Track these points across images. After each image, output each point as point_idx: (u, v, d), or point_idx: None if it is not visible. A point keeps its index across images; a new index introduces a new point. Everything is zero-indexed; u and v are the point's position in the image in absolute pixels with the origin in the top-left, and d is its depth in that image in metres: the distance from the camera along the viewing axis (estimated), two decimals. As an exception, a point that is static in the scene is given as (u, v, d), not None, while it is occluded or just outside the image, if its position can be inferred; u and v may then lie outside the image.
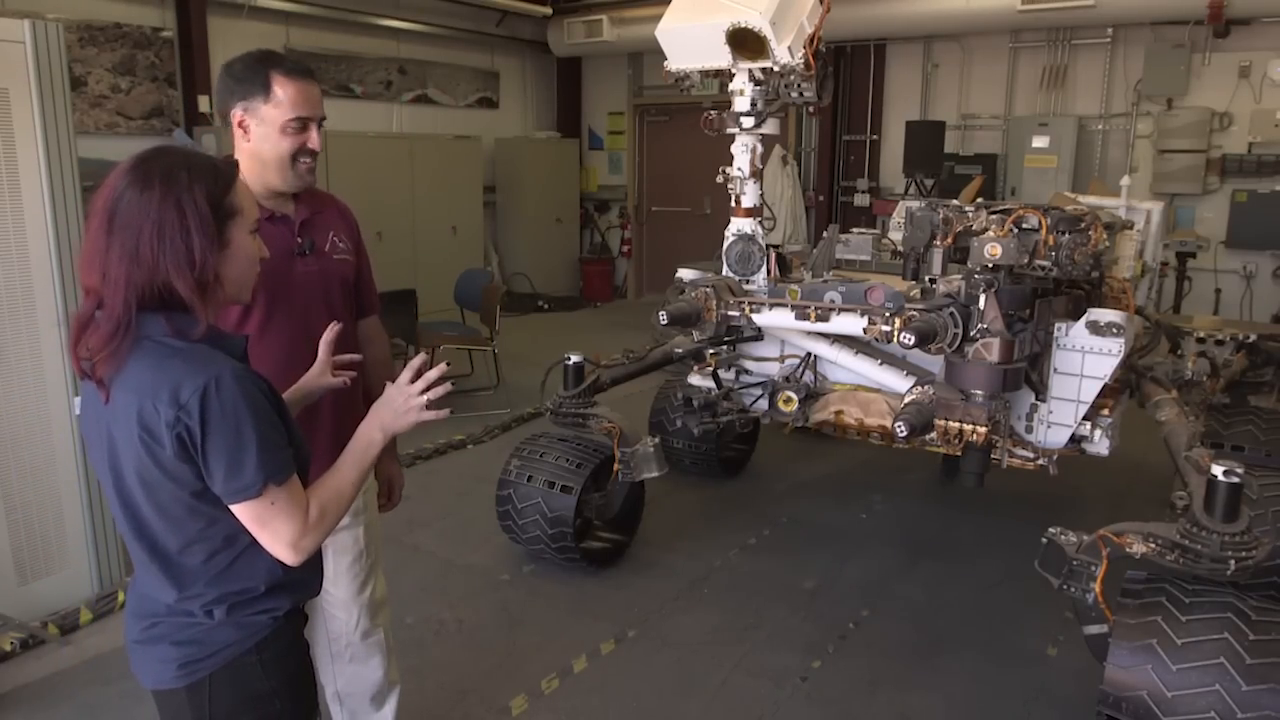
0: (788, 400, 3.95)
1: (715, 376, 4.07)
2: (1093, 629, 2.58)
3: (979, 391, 3.02)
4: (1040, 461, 3.51)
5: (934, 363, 3.44)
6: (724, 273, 3.92)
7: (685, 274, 3.95)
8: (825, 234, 4.18)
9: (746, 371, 4.20)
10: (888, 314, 3.24)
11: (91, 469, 3.28)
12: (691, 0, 3.78)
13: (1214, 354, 4.20)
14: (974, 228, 3.06)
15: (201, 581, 1.48)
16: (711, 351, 4.03)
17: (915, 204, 3.40)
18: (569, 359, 3.86)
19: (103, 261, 1.37)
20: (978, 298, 2.97)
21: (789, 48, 3.57)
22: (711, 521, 4.45)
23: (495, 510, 3.86)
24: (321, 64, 8.42)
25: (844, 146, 9.42)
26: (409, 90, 9.31)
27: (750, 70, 3.74)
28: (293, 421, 1.54)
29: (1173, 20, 7.34)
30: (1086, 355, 3.28)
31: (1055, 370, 3.35)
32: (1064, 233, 2.97)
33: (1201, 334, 4.25)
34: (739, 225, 3.92)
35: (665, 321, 3.62)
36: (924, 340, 2.95)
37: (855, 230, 4.51)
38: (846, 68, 9.14)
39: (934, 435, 3.13)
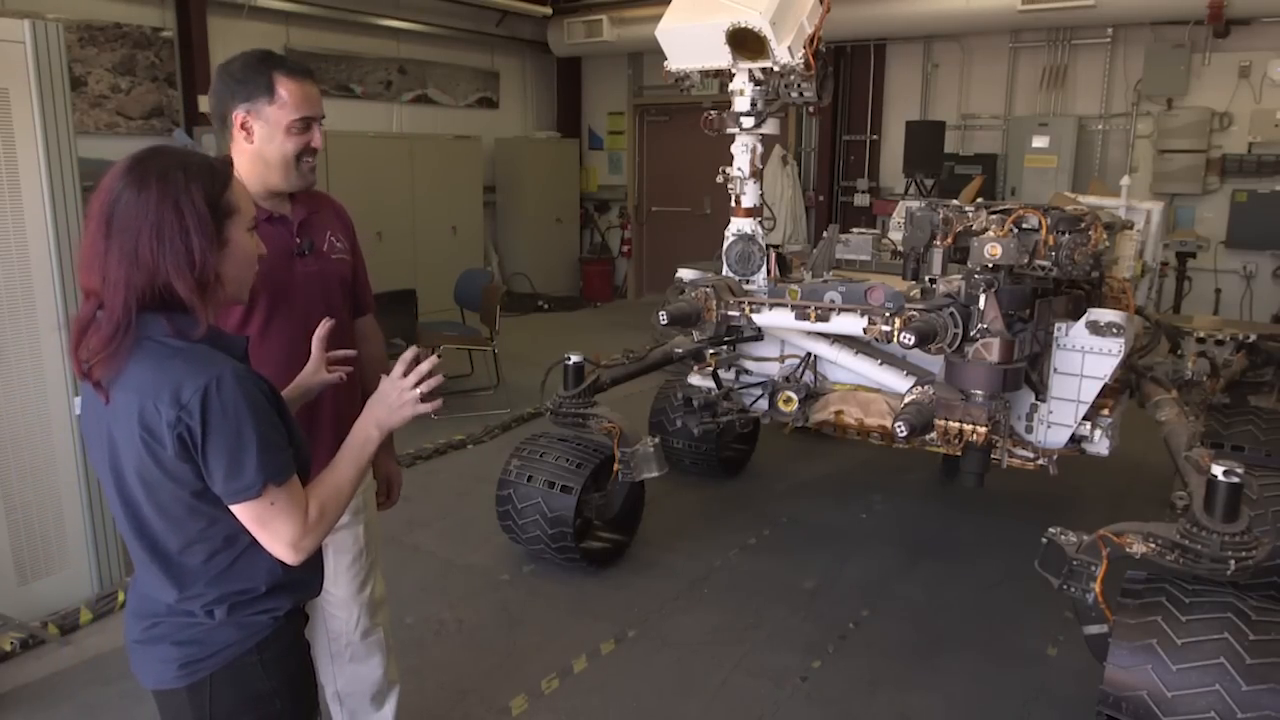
0: (788, 400, 3.95)
1: (715, 376, 4.07)
2: (1093, 629, 2.58)
3: (979, 391, 3.02)
4: (1040, 461, 3.51)
5: (934, 363, 3.44)
6: (724, 273, 3.92)
7: (685, 274, 3.95)
8: (825, 234, 4.18)
9: (746, 371, 4.20)
10: (888, 314, 3.24)
11: (91, 469, 3.28)
12: (691, 0, 3.78)
13: (1214, 354, 4.20)
14: (974, 228, 3.06)
15: (202, 581, 1.48)
16: (711, 351, 4.03)
17: (915, 204, 3.41)
18: (569, 359, 3.86)
19: (102, 264, 1.37)
20: (978, 298, 2.97)
21: (789, 48, 3.57)
22: (711, 521, 4.45)
23: (495, 510, 3.86)
24: (321, 64, 8.42)
25: (844, 146, 9.42)
26: (409, 90, 9.32)
27: (750, 70, 3.74)
28: (293, 421, 1.54)
29: (1173, 20, 7.34)
30: (1086, 355, 3.28)
31: (1055, 370, 3.35)
32: (1064, 233, 2.97)
33: (1201, 334, 4.25)
34: (739, 225, 3.92)
35: (665, 321, 3.62)
36: (924, 340, 2.95)
37: (855, 230, 4.51)
38: (846, 68, 9.14)
39: (934, 435, 3.13)
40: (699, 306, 3.71)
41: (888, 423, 3.63)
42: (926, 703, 3.01)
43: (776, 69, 3.66)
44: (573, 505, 3.62)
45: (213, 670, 1.49)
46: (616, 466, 3.68)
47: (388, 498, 2.48)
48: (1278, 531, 2.81)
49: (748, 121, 3.81)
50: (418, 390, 1.57)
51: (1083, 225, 3.02)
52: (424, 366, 1.59)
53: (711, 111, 3.92)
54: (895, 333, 3.10)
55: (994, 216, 3.05)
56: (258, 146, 1.97)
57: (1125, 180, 4.66)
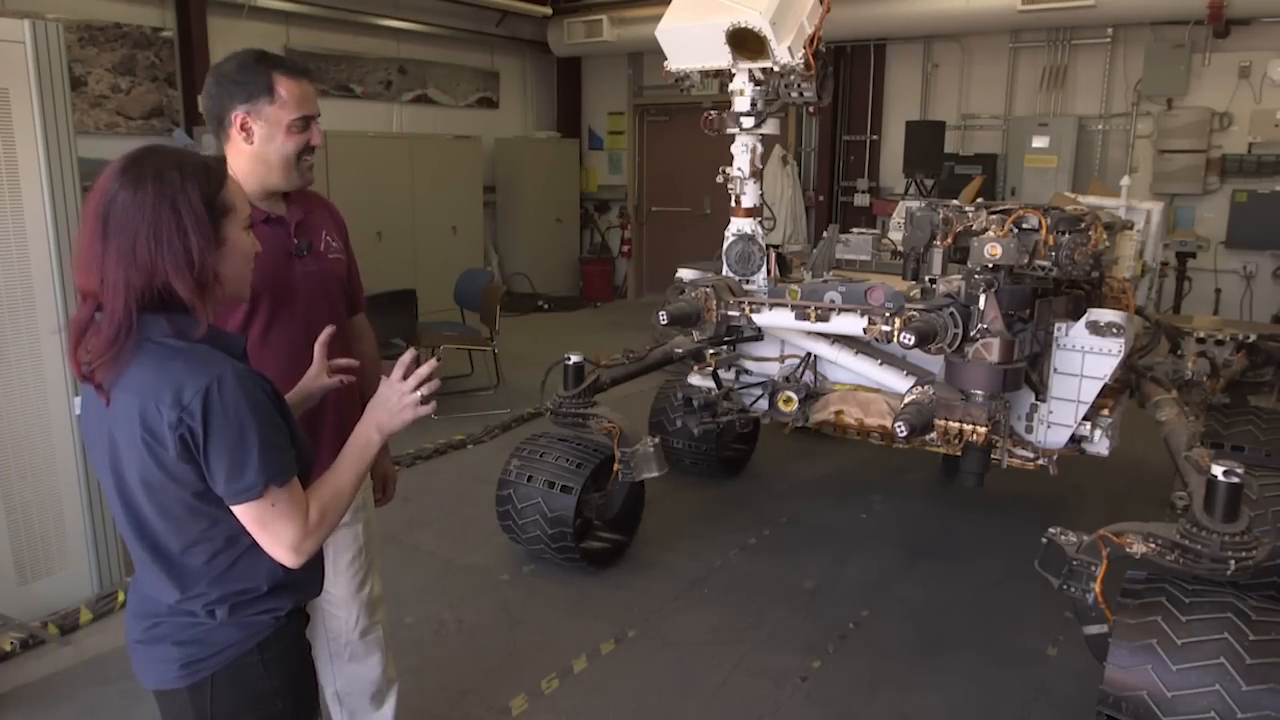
0: (788, 400, 3.96)
1: (715, 376, 4.07)
2: (1093, 629, 2.58)
3: (979, 391, 3.02)
4: (1040, 461, 3.51)
5: (934, 363, 3.44)
6: (724, 273, 3.93)
7: (685, 274, 3.95)
8: (825, 234, 4.18)
9: (746, 371, 4.20)
10: (888, 314, 3.24)
11: (91, 469, 3.28)
12: (691, 0, 3.78)
13: (1214, 354, 4.20)
14: (974, 228, 3.06)
15: (204, 582, 1.48)
16: (711, 351, 4.03)
17: (915, 204, 3.41)
18: (569, 359, 3.86)
19: (99, 266, 1.36)
20: (978, 298, 2.97)
21: (789, 48, 3.57)
22: (711, 521, 4.45)
23: (495, 510, 3.86)
24: (321, 64, 8.42)
25: (844, 146, 9.42)
26: (409, 90, 9.32)
27: (750, 70, 3.74)
28: (295, 422, 1.54)
29: (1173, 20, 7.34)
30: (1086, 355, 3.28)
31: (1055, 370, 3.35)
32: (1064, 233, 2.97)
33: (1201, 334, 4.25)
34: (739, 225, 3.92)
35: (665, 321, 3.62)
36: (924, 340, 2.95)
37: (855, 230, 4.51)
38: (846, 68, 9.14)
39: (934, 435, 3.13)
40: (699, 306, 3.71)
41: (888, 423, 3.63)
42: (926, 703, 3.01)
43: (776, 69, 3.66)
44: (573, 505, 3.62)
45: (214, 670, 1.49)
46: (616, 466, 3.68)
47: (383, 494, 2.48)
48: (1278, 531, 2.81)
49: (748, 121, 3.81)
50: (418, 393, 1.57)
51: (1083, 225, 3.02)
52: (423, 370, 1.59)
53: (711, 111, 3.92)
54: (895, 333, 3.10)
55: (994, 216, 3.05)
56: (257, 147, 1.96)
57: (1125, 180, 4.66)
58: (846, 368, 3.89)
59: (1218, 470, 2.38)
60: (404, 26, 9.07)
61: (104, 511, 3.45)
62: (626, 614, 3.54)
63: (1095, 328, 3.25)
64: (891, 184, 9.07)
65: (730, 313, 3.74)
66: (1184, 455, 2.84)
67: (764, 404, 4.09)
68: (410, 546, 4.13)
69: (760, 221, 3.94)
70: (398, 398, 1.58)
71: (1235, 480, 2.36)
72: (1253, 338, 4.27)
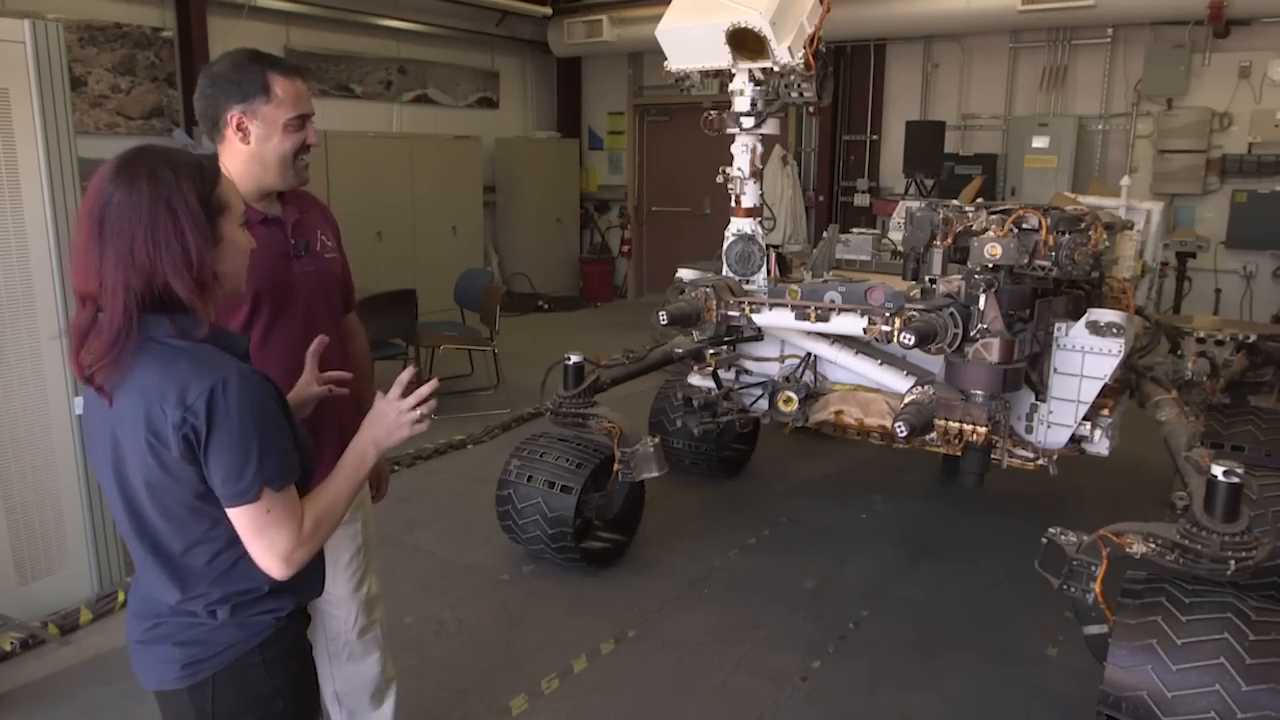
0: (788, 400, 3.96)
1: (715, 376, 4.07)
2: (1093, 629, 2.59)
3: (979, 391, 3.02)
4: (1040, 461, 3.51)
5: (934, 363, 3.44)
6: (724, 273, 3.93)
7: (685, 274, 3.95)
8: (825, 234, 4.18)
9: (746, 371, 4.20)
10: (888, 314, 3.24)
11: (92, 469, 3.28)
12: (691, 0, 3.78)
13: (1214, 354, 4.20)
14: (974, 228, 3.06)
15: (205, 582, 1.47)
16: (711, 351, 4.03)
17: (915, 204, 3.41)
18: (569, 359, 3.86)
19: (98, 269, 1.36)
20: (978, 298, 2.97)
21: (789, 48, 3.57)
22: (711, 521, 4.45)
23: (495, 510, 3.86)
24: (321, 64, 8.42)
25: (844, 146, 9.42)
26: (409, 90, 9.32)
27: (750, 70, 3.74)
28: (298, 425, 1.54)
29: (1173, 20, 7.34)
30: (1086, 355, 3.28)
31: (1055, 370, 3.35)
32: (1064, 233, 2.96)
33: (1201, 334, 4.25)
34: (739, 225, 3.92)
35: (665, 321, 3.62)
36: (924, 340, 2.95)
37: (855, 230, 4.51)
38: (846, 68, 9.14)
39: (934, 435, 3.13)
40: (699, 306, 3.71)
41: (888, 423, 3.63)
42: (926, 703, 3.01)
43: (776, 69, 3.66)
44: (573, 505, 3.62)
45: (215, 671, 1.49)
46: (616, 466, 3.68)
47: (377, 490, 2.48)
48: (1278, 531, 2.81)
49: (748, 121, 3.81)
50: (416, 412, 1.58)
51: (1083, 225, 3.02)
52: (424, 390, 1.60)
53: (711, 111, 3.92)
54: (895, 333, 3.10)
55: (994, 216, 3.05)
56: (254, 147, 1.95)
57: (1125, 180, 4.65)
58: (846, 368, 3.89)
59: (1218, 470, 2.38)
60: (404, 26, 9.06)
61: (104, 511, 3.45)
62: (626, 614, 3.54)
63: (1095, 328, 3.25)
64: (891, 184, 9.07)
65: (730, 313, 3.74)
66: (1184, 455, 2.84)
67: (764, 404, 4.09)
68: (410, 546, 4.13)
69: (760, 221, 3.94)
70: (395, 415, 1.58)
71: (1235, 480, 2.36)
72: (1253, 338, 4.27)
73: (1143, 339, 3.85)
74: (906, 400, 3.25)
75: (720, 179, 3.93)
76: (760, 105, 3.78)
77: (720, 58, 3.72)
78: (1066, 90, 8.13)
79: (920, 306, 3.08)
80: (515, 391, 6.41)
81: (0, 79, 3.08)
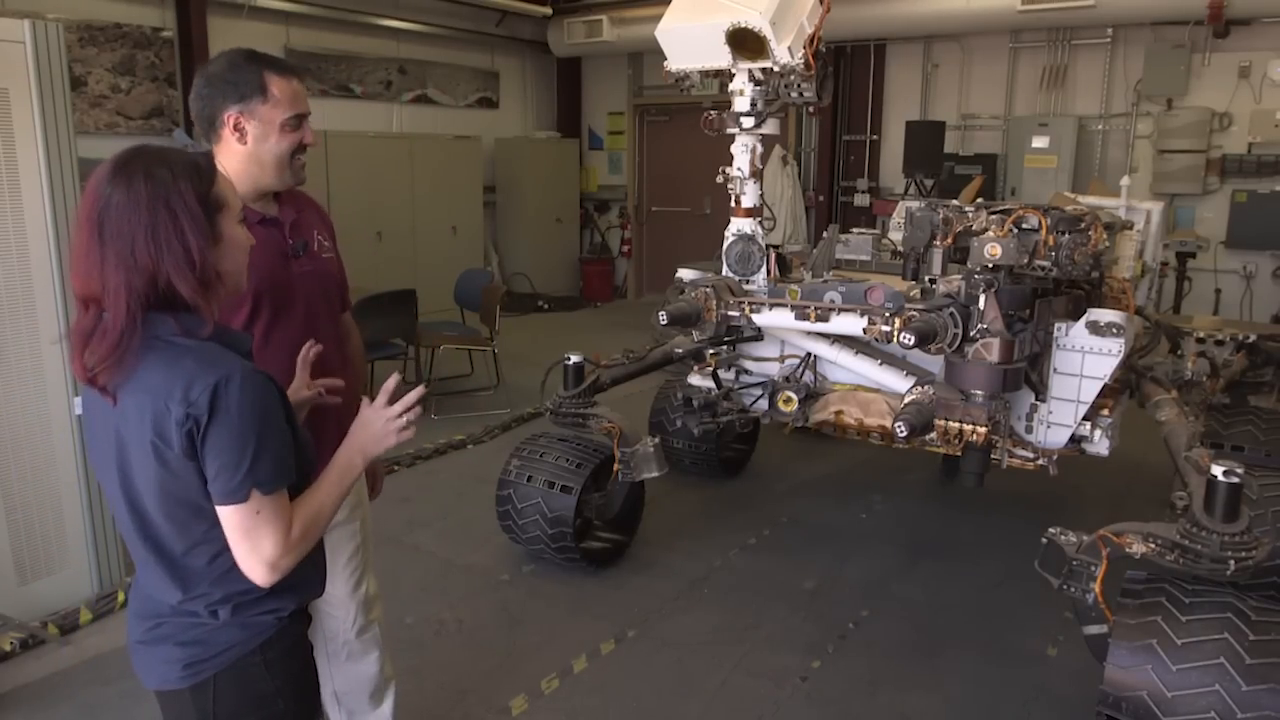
0: (788, 400, 3.96)
1: (715, 376, 4.07)
2: (1093, 629, 2.58)
3: (979, 391, 3.02)
4: (1040, 461, 3.51)
5: (934, 363, 3.44)
6: (724, 273, 3.93)
7: (685, 274, 3.95)
8: (825, 234, 4.18)
9: (746, 371, 4.20)
10: (888, 314, 3.24)
11: (92, 469, 3.28)
12: (691, 0, 3.78)
13: (1214, 354, 4.20)
14: (974, 228, 3.06)
15: (206, 582, 1.47)
16: (711, 351, 4.03)
17: (915, 204, 3.41)
18: (569, 359, 3.86)
19: (99, 271, 1.35)
20: (978, 298, 2.97)
21: (789, 48, 3.57)
22: (711, 521, 4.45)
23: (495, 510, 3.86)
24: (321, 64, 8.43)
25: (844, 146, 9.42)
26: (409, 90, 9.32)
27: (750, 70, 3.74)
28: (298, 424, 1.54)
29: (1173, 20, 7.34)
30: (1086, 355, 3.28)
31: (1055, 370, 3.35)
32: (1064, 233, 2.97)
33: (1201, 334, 4.25)
34: (739, 225, 3.92)
35: (665, 321, 3.62)
36: (924, 340, 2.95)
37: (855, 230, 4.51)
38: (846, 68, 9.14)
39: (934, 435, 3.13)
40: (699, 306, 3.71)
41: (888, 423, 3.63)
42: (926, 703, 3.01)
43: (776, 69, 3.66)
44: (573, 505, 3.62)
45: (216, 671, 1.49)
46: (616, 466, 3.68)
47: (371, 490, 2.49)
48: (1278, 531, 2.81)
49: (748, 121, 3.81)
50: (402, 419, 1.58)
51: (1083, 225, 3.02)
52: (411, 397, 1.59)
53: (711, 111, 3.92)
54: (895, 333, 3.10)
55: (994, 216, 3.05)
56: (251, 147, 1.95)
57: (1125, 180, 4.66)
58: (846, 368, 3.89)
59: (1218, 470, 2.38)
60: (404, 26, 9.07)
61: (104, 511, 3.45)
62: (626, 614, 3.54)
63: (1095, 328, 3.25)
64: (891, 184, 9.07)
65: (730, 313, 3.74)
66: (1184, 455, 2.84)
67: (764, 404, 4.09)
68: (410, 546, 4.13)
69: (760, 221, 3.94)
70: (382, 423, 1.58)
71: (1235, 480, 2.36)
72: (1253, 338, 4.28)
73: (1143, 339, 3.85)
74: (906, 400, 3.25)
75: (720, 179, 3.93)
76: (760, 105, 3.78)
77: (720, 58, 3.72)
78: (1066, 90, 8.13)
79: (920, 306, 3.08)
80: (515, 391, 6.41)
81: (0, 79, 3.08)
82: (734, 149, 3.89)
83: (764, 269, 3.87)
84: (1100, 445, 3.49)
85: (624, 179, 10.93)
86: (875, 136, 9.22)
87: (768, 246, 3.91)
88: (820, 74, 3.66)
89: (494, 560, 4.00)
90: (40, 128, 3.17)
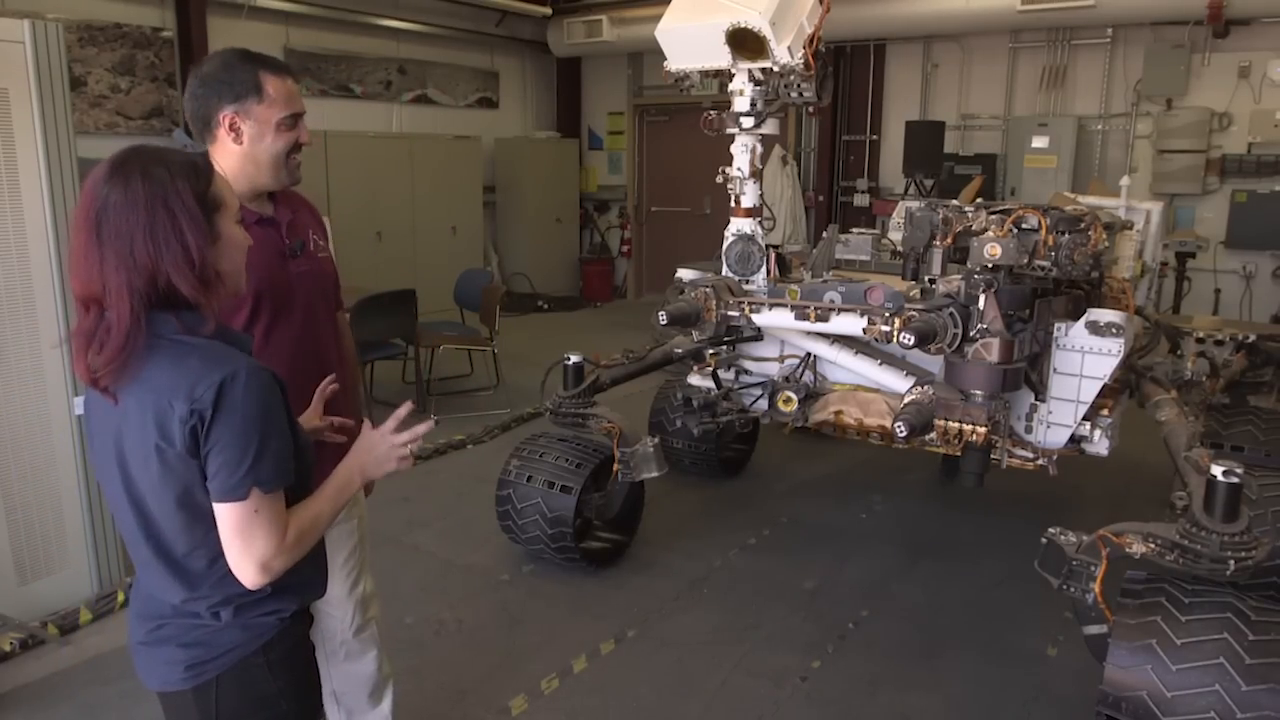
0: (787, 400, 3.96)
1: (715, 376, 4.07)
2: (1093, 629, 2.59)
3: (979, 391, 3.02)
4: (1040, 461, 3.51)
5: (934, 363, 3.44)
6: (724, 273, 3.93)
7: (685, 274, 3.95)
8: (825, 234, 4.18)
9: (746, 371, 4.20)
10: (887, 314, 3.24)
11: (92, 469, 3.28)
12: (691, 0, 3.78)
13: (1213, 354, 4.21)
14: (974, 228, 3.06)
15: (207, 583, 1.47)
16: (711, 351, 4.03)
17: (915, 204, 3.41)
18: (569, 359, 3.86)
19: (99, 272, 1.35)
20: (977, 298, 2.97)
21: (789, 48, 3.57)
22: (711, 521, 4.45)
23: (495, 510, 3.86)
24: (321, 64, 8.43)
25: (844, 146, 9.42)
26: (409, 90, 9.32)
27: (750, 70, 3.75)
28: (299, 425, 1.54)
29: (1172, 20, 7.34)
30: (1086, 355, 3.28)
31: (1055, 370, 3.35)
32: (1064, 233, 2.97)
33: (1201, 334, 4.25)
34: (739, 225, 3.92)
35: (665, 321, 3.62)
36: (924, 340, 2.95)
37: (855, 230, 4.51)
38: (846, 68, 9.14)
39: (934, 435, 3.13)
40: (699, 306, 3.71)
41: (887, 423, 3.63)
42: (926, 703, 3.01)
43: (776, 69, 3.66)
44: (572, 505, 3.62)
45: (218, 672, 1.49)
46: (616, 466, 3.68)
47: (366, 491, 2.49)
48: (1278, 531, 2.81)
49: (747, 121, 3.81)
50: (406, 449, 1.59)
51: (1082, 225, 3.02)
52: (420, 429, 1.61)
53: (711, 111, 3.92)
54: (895, 333, 3.10)
55: (994, 216, 3.05)
56: (247, 147, 1.95)
57: (1125, 180, 4.66)
58: (846, 368, 3.89)
59: (1217, 470, 2.38)
60: (404, 26, 9.06)
61: (104, 511, 3.45)
62: (626, 614, 3.54)
63: (1095, 328, 3.25)
64: (891, 184, 9.07)
65: (730, 313, 3.74)
66: (1184, 455, 2.84)
67: (764, 404, 4.09)
68: (410, 546, 4.13)
69: (760, 221, 3.94)
70: (386, 448, 1.59)
71: (1235, 480, 2.36)
72: (1252, 338, 4.28)
73: (1142, 339, 3.85)
74: (906, 400, 3.25)
75: (720, 179, 3.93)
76: (760, 105, 3.78)
77: (720, 58, 3.72)
78: (1066, 90, 8.13)
79: (920, 306, 3.08)
80: (515, 391, 6.41)
81: (0, 79, 3.08)
82: (734, 149, 3.89)
83: (764, 269, 3.87)
84: (1100, 445, 3.49)
85: (624, 179, 10.93)
86: (875, 136, 9.22)
87: (767, 246, 3.92)
88: (820, 74, 3.66)
89: (494, 560, 4.00)
90: (40, 128, 3.17)
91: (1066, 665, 3.19)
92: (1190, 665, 2.27)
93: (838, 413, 3.90)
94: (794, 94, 3.69)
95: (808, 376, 4.03)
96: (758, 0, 3.54)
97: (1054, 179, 7.64)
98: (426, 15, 9.21)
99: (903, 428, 3.00)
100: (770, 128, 3.85)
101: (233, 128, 1.93)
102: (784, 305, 3.66)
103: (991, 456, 3.41)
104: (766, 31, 3.52)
